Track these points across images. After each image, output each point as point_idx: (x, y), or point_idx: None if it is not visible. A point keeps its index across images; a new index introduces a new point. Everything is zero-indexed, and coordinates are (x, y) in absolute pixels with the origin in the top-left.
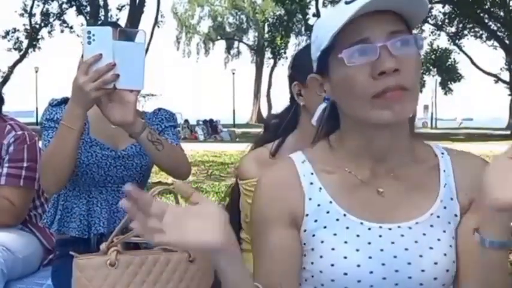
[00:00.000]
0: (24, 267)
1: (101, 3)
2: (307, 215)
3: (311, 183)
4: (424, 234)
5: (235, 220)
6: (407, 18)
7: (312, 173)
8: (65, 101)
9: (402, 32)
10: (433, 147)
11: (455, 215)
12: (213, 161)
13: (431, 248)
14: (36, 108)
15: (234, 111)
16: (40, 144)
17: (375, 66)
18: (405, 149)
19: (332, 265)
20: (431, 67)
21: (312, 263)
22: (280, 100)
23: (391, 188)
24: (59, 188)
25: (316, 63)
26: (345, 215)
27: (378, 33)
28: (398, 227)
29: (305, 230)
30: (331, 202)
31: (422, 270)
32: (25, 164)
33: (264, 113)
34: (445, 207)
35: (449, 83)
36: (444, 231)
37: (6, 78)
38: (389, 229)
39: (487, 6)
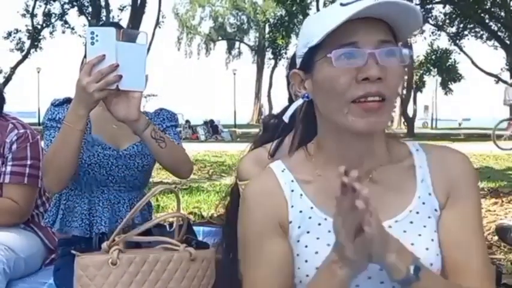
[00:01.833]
0: (26, 266)
1: (103, 3)
2: (290, 222)
3: (292, 191)
4: (404, 231)
5: (236, 220)
6: (397, 30)
7: (292, 181)
8: (67, 101)
9: (390, 42)
10: (409, 145)
11: (435, 210)
12: (213, 161)
13: (412, 244)
14: (38, 109)
15: (235, 111)
16: (42, 143)
17: (360, 72)
18: (381, 151)
19: (317, 268)
20: (431, 67)
21: (299, 268)
22: (281, 100)
23: (369, 191)
24: (61, 187)
25: (300, 60)
26: (326, 219)
27: (367, 39)
28: None
29: (290, 237)
30: (312, 208)
31: None
32: (29, 162)
33: (265, 113)
34: (423, 203)
35: (449, 83)
36: (425, 226)
37: (8, 79)
38: None
39: (487, 7)
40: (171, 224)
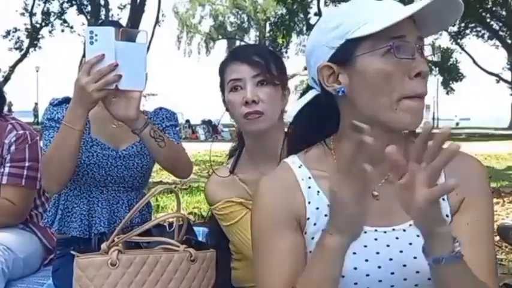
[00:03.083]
0: (25, 266)
1: (102, 2)
2: (308, 218)
3: (309, 187)
4: (418, 236)
5: (217, 232)
6: (426, 26)
7: (309, 177)
8: (65, 100)
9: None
10: None
11: (447, 215)
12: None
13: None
14: (37, 108)
15: None
16: (41, 143)
17: (411, 66)
18: (400, 150)
19: None
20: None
21: None
22: None
23: (386, 192)
24: (60, 187)
25: (333, 52)
26: None
27: (412, 34)
28: (393, 229)
29: (305, 233)
30: (328, 205)
31: (417, 272)
32: (27, 164)
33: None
34: None
35: (451, 82)
36: None
37: (7, 78)
38: (385, 232)
39: (489, 6)
40: (171, 224)
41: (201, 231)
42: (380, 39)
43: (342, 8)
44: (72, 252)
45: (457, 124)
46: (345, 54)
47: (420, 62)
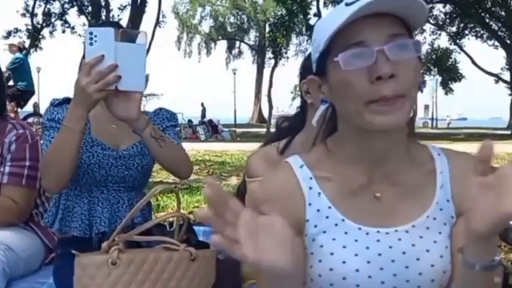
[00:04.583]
0: (26, 265)
1: (103, 3)
2: (307, 220)
3: (310, 188)
4: (420, 237)
5: None
6: (408, 22)
7: (310, 178)
8: (66, 100)
9: (402, 35)
10: (430, 149)
11: (452, 217)
12: (214, 160)
13: (427, 250)
14: (39, 109)
15: (235, 111)
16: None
17: (371, 71)
18: (402, 152)
19: (331, 269)
20: (432, 67)
21: (311, 266)
22: (281, 100)
23: (388, 193)
24: (60, 188)
25: (315, 65)
26: (343, 220)
27: (375, 36)
28: (396, 231)
29: (306, 235)
30: (330, 207)
31: (420, 273)
32: (27, 163)
33: (265, 113)
34: (441, 209)
35: (450, 82)
36: (440, 233)
37: (8, 79)
38: (387, 233)
39: (488, 6)
40: (171, 224)
41: (201, 231)
42: (340, 49)
43: (320, 20)
44: (73, 251)
45: (448, 125)
46: (321, 66)
47: (382, 64)
